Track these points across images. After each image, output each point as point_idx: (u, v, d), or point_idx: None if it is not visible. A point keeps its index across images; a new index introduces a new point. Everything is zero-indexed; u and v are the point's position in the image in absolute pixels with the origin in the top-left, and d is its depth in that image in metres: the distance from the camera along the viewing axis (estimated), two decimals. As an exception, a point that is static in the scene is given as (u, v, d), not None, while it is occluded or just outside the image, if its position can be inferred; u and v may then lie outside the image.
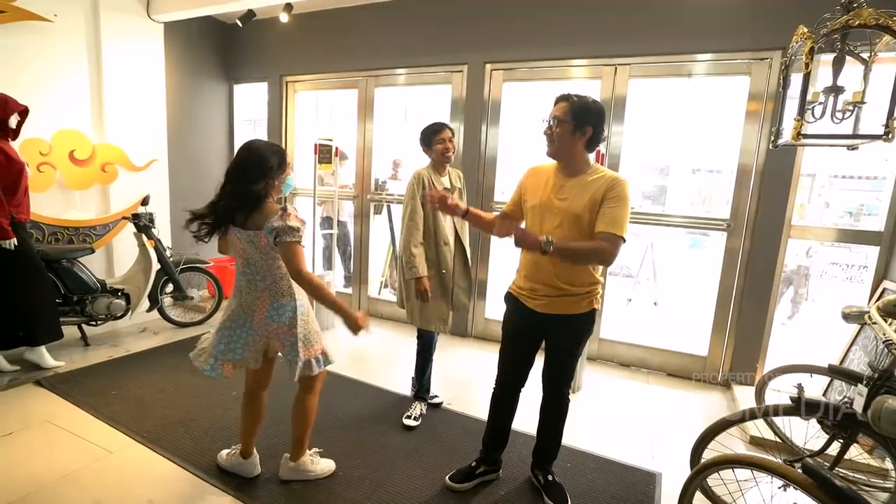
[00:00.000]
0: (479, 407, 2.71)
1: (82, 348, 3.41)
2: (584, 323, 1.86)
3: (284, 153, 1.83)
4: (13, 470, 2.07)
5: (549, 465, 2.06)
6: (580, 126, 1.72)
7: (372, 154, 4.43)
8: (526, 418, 2.23)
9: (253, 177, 1.71)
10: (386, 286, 5.20)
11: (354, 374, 3.13)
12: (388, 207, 4.82)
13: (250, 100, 5.16)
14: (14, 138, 2.82)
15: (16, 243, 2.71)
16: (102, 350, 3.41)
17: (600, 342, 3.66)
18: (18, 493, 1.93)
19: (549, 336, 1.91)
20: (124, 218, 3.70)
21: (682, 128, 6.69)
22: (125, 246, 3.83)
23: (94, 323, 3.41)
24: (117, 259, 3.90)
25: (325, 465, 2.12)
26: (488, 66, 3.74)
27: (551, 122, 1.76)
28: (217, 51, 4.80)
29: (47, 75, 3.39)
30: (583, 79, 3.56)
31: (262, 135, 5.39)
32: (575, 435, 2.54)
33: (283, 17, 3.99)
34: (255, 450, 2.10)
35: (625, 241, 1.69)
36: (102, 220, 3.75)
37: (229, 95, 5.01)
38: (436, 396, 2.77)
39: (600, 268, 1.85)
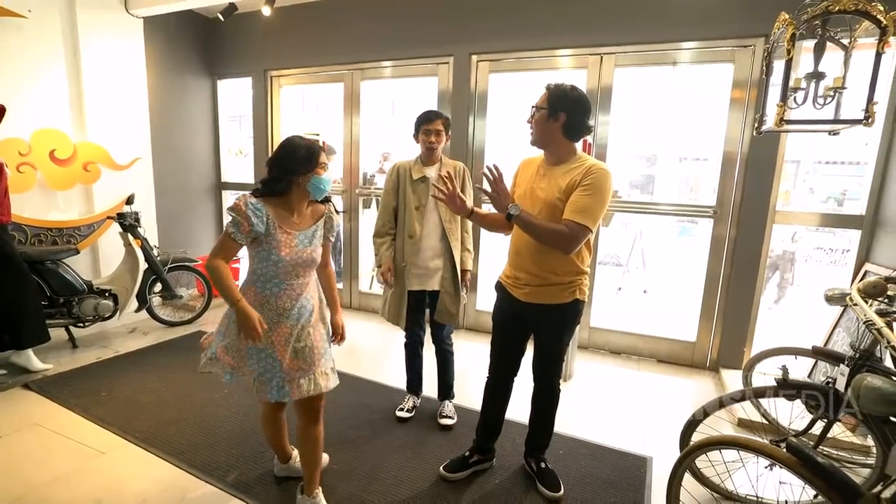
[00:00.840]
0: (471, 398, 2.73)
1: (70, 350, 3.37)
2: (567, 313, 1.84)
3: (313, 153, 1.65)
4: (4, 473, 2.05)
5: (541, 453, 2.09)
6: (553, 112, 1.72)
7: (360, 148, 4.40)
8: (519, 407, 2.25)
9: (276, 173, 1.63)
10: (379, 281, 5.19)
11: (347, 369, 3.13)
12: (378, 201, 4.80)
13: (235, 95, 5.09)
14: (-8, 138, 2.76)
15: (-3, 246, 2.67)
16: (91, 352, 3.37)
17: (591, 330, 3.70)
18: (11, 495, 1.91)
19: (535, 326, 1.92)
20: (109, 217, 3.65)
21: (668, 116, 6.74)
22: (111, 246, 3.78)
23: (81, 324, 3.37)
24: (104, 259, 3.84)
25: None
26: (474, 58, 3.72)
27: (533, 111, 1.78)
28: (199, 46, 4.71)
29: (24, 73, 3.31)
30: (569, 69, 3.56)
31: (247, 131, 5.32)
32: (567, 422, 2.57)
33: (266, 11, 3.92)
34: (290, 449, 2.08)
35: (591, 231, 1.66)
36: (87, 220, 3.68)
37: (213, 91, 4.93)
38: (449, 418, 2.53)
39: (587, 258, 1.84)
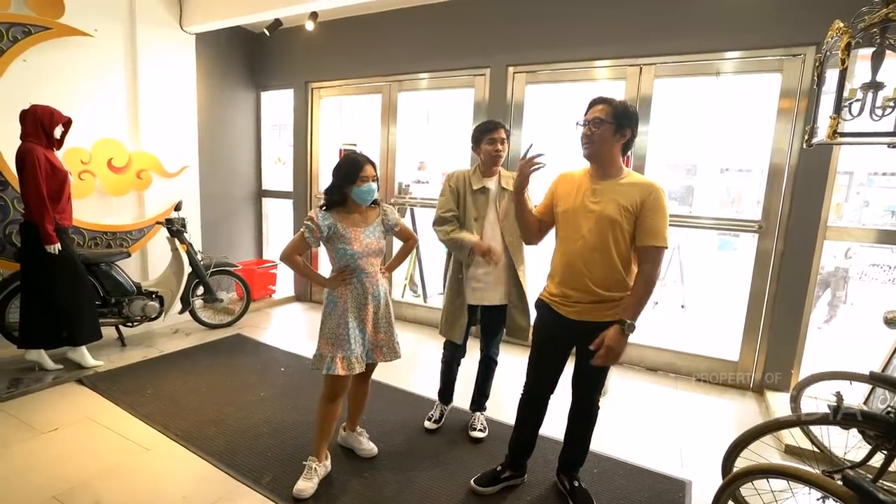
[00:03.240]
0: (502, 411, 2.70)
1: (119, 348, 3.55)
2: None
3: (353, 168, 1.96)
4: (59, 464, 2.17)
5: (575, 471, 2.05)
6: (621, 128, 1.73)
7: (396, 157, 4.47)
8: (553, 423, 2.20)
9: (331, 185, 2.01)
10: (412, 290, 5.24)
11: (379, 377, 3.15)
12: (412, 211, 4.86)
13: (276, 104, 5.29)
14: (59, 148, 2.97)
15: (60, 248, 2.85)
16: (138, 350, 3.54)
17: (627, 346, 3.59)
18: (64, 486, 2.03)
19: (581, 343, 1.88)
20: (158, 223, 3.85)
21: (709, 127, 6.53)
22: (159, 249, 3.97)
23: (130, 324, 3.55)
24: (151, 262, 4.04)
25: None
26: (511, 69, 3.73)
27: (593, 123, 1.74)
28: (245, 59, 4.93)
29: (87, 87, 3.55)
30: (607, 80, 3.52)
31: (286, 139, 5.51)
32: (602, 440, 2.50)
33: (309, 26, 4.07)
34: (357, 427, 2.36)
35: (667, 248, 1.73)
36: (138, 224, 3.90)
37: (257, 102, 5.14)
38: (480, 431, 2.51)
39: (634, 275, 1.80)
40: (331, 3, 3.46)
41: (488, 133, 2.28)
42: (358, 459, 2.28)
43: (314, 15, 3.97)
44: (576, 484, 2.00)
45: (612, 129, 1.72)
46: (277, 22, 4.14)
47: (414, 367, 3.45)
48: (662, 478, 2.21)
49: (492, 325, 2.42)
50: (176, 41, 4.03)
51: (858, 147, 3.75)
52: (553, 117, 4.34)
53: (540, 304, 1.97)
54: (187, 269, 3.73)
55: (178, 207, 3.82)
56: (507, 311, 2.36)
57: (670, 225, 3.75)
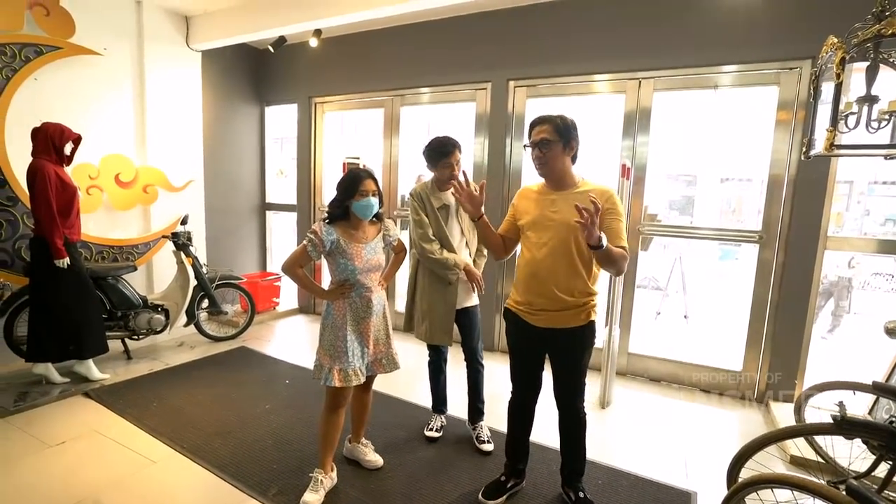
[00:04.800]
0: (502, 419, 2.70)
1: (125, 361, 3.57)
2: (583, 335, 1.88)
3: (352, 182, 1.99)
4: (66, 477, 2.19)
5: (578, 482, 2.05)
6: (567, 142, 1.83)
7: (398, 170, 4.53)
8: (555, 433, 2.21)
9: (334, 199, 2.04)
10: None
11: (384, 389, 3.17)
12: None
13: (279, 118, 5.36)
14: (68, 164, 3.02)
15: (69, 262, 2.89)
16: (143, 363, 3.56)
17: (629, 356, 3.61)
18: (72, 499, 2.04)
19: (552, 350, 1.94)
20: (164, 236, 3.89)
21: (708, 138, 6.58)
22: (164, 263, 4.01)
23: (136, 337, 3.57)
24: (157, 276, 4.08)
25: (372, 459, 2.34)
26: (511, 83, 3.80)
27: (541, 145, 1.82)
28: (250, 75, 5.02)
29: (96, 104, 3.63)
30: (606, 93, 3.58)
31: (289, 152, 5.58)
32: (606, 451, 2.51)
33: (313, 42, 4.16)
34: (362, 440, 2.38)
35: (626, 247, 1.81)
36: (144, 238, 3.94)
37: (261, 117, 5.22)
38: (488, 443, 2.51)
39: (597, 278, 1.89)
40: (334, 20, 3.53)
41: (445, 157, 2.29)
42: (364, 471, 2.28)
43: (318, 32, 4.05)
44: (581, 495, 2.00)
45: (560, 146, 1.81)
46: (282, 39, 4.22)
47: (417, 377, 3.45)
48: (667, 489, 2.21)
49: (469, 324, 2.52)
50: (182, 58, 4.11)
51: (857, 157, 3.79)
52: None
53: (507, 312, 2.00)
54: (192, 282, 3.77)
55: (184, 221, 3.87)
56: (477, 309, 2.52)
57: (671, 236, 3.79)
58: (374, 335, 2.11)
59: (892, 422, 1.47)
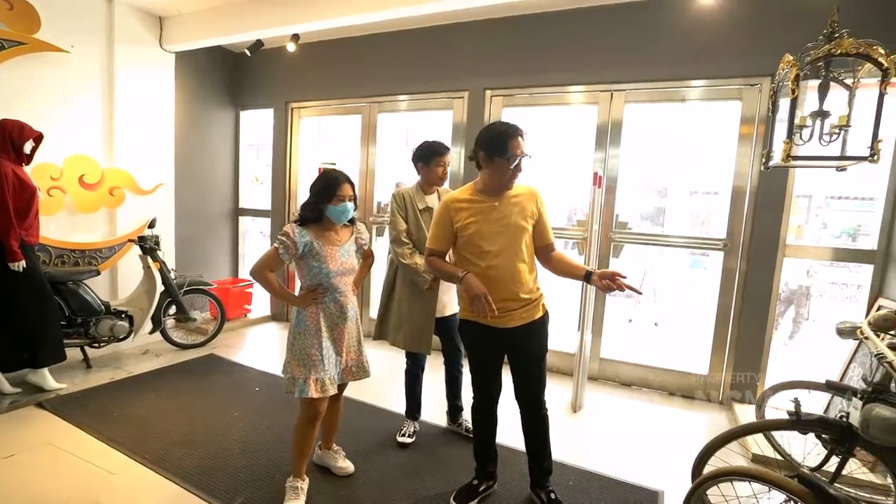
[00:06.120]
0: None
1: (84, 370, 3.41)
2: (543, 325, 1.97)
3: (329, 186, 1.93)
4: (15, 492, 2.07)
5: (546, 482, 2.06)
6: (486, 153, 1.88)
7: (375, 177, 4.52)
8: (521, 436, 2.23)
9: (308, 202, 1.97)
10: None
11: (355, 395, 3.12)
12: (390, 229, 4.88)
13: (254, 124, 5.29)
14: (28, 163, 2.91)
15: (24, 266, 2.76)
16: (104, 372, 3.41)
17: (601, 362, 3.67)
18: (20, 514, 1.93)
19: (515, 349, 1.96)
20: (130, 240, 3.77)
21: (678, 151, 6.82)
22: (130, 268, 3.88)
23: (96, 345, 3.43)
24: (121, 281, 3.94)
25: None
26: (488, 93, 3.86)
27: (520, 161, 1.86)
28: (225, 79, 4.95)
29: (61, 103, 3.51)
30: (580, 104, 3.68)
31: (264, 159, 5.51)
32: (577, 454, 2.53)
33: (291, 47, 4.14)
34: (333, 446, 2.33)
35: None
36: (108, 242, 3.81)
37: (236, 121, 5.15)
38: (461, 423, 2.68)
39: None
40: (312, 26, 3.54)
41: (440, 156, 2.38)
42: (334, 478, 2.24)
43: (296, 37, 4.04)
44: (552, 496, 2.01)
45: (483, 156, 1.87)
46: (259, 43, 4.19)
47: (390, 383, 3.43)
48: (636, 489, 2.24)
49: (450, 334, 2.52)
50: (155, 59, 4.03)
51: (815, 171, 3.99)
52: (530, 139, 4.47)
53: (467, 323, 1.98)
54: (159, 287, 3.65)
55: (151, 225, 3.76)
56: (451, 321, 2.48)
57: (642, 243, 3.91)
58: (347, 342, 2.06)
59: (842, 417, 1.54)
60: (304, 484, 2.05)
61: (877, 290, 2.89)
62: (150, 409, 2.87)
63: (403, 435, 2.58)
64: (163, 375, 3.42)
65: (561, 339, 3.50)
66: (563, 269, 1.96)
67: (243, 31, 3.74)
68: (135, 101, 3.91)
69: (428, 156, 2.41)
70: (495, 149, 1.84)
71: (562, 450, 2.43)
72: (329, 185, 1.94)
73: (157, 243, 3.68)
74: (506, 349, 1.99)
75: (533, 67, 3.65)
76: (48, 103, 3.42)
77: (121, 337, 3.50)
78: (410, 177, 5.76)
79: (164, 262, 3.68)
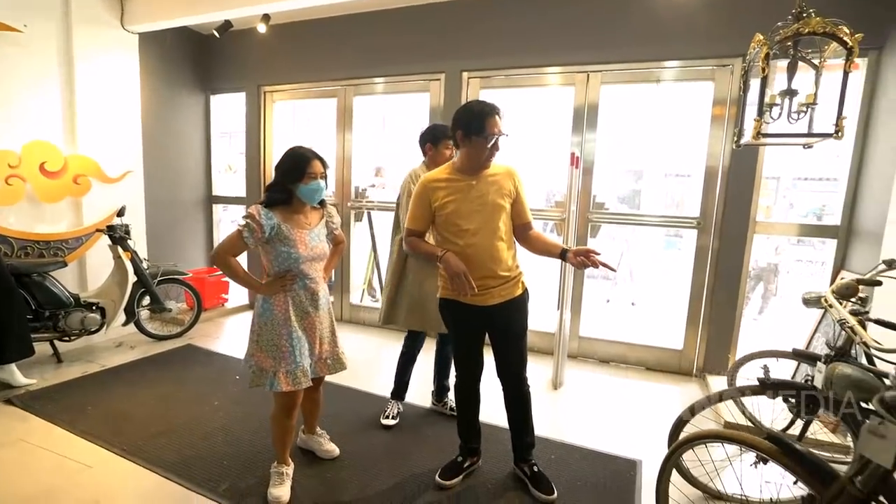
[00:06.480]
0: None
1: (55, 365, 3.31)
2: (523, 302, 2.00)
3: (298, 164, 1.82)
4: (-13, 488, 2.00)
5: (530, 456, 2.11)
6: (464, 132, 1.87)
7: (352, 162, 4.46)
8: (504, 413, 2.27)
9: (274, 181, 1.86)
10: (370, 294, 5.20)
11: (338, 380, 3.12)
12: (369, 215, 4.85)
13: (226, 111, 5.14)
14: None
15: (-15, 257, 2.64)
16: (76, 366, 3.31)
17: (581, 340, 3.75)
18: (-7, 510, 1.87)
19: (496, 326, 1.99)
20: (98, 230, 3.63)
21: (654, 133, 6.93)
22: (99, 259, 3.75)
23: (67, 338, 3.32)
24: (91, 272, 3.80)
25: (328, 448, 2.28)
26: (465, 75, 3.83)
27: (496, 140, 1.87)
28: (193, 61, 4.77)
29: (17, 86, 3.32)
30: (557, 85, 3.68)
31: (237, 147, 5.36)
32: (558, 428, 2.60)
33: (262, 28, 4.01)
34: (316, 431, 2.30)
35: None
36: (75, 232, 3.66)
37: (206, 105, 4.98)
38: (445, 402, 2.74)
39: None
40: (282, 5, 3.42)
41: (448, 138, 2.32)
42: (320, 461, 2.24)
43: (266, 17, 3.92)
44: (534, 469, 2.07)
45: (461, 136, 1.86)
46: (227, 23, 4.04)
47: (374, 368, 3.44)
48: (616, 459, 2.32)
49: None
50: (116, 40, 3.85)
51: (782, 152, 4.11)
52: (508, 120, 4.47)
53: (447, 301, 1.99)
54: (132, 278, 3.55)
55: (120, 213, 3.63)
56: None
57: (619, 223, 3.96)
58: (320, 333, 1.96)
59: (808, 380, 1.62)
60: (289, 469, 2.05)
61: (839, 264, 3.02)
62: (127, 402, 2.80)
63: (387, 417, 2.59)
64: (139, 367, 3.35)
65: (541, 318, 3.55)
66: (540, 247, 1.99)
67: (209, 11, 3.59)
68: (97, 85, 3.73)
69: (438, 136, 2.41)
70: (472, 128, 1.83)
71: (544, 425, 2.48)
72: (298, 162, 1.82)
73: (128, 232, 3.56)
74: (486, 327, 2.01)
75: (510, 49, 3.63)
76: (1, 87, 3.24)
77: (92, 329, 3.39)
78: (388, 162, 5.72)
79: (135, 252, 3.57)
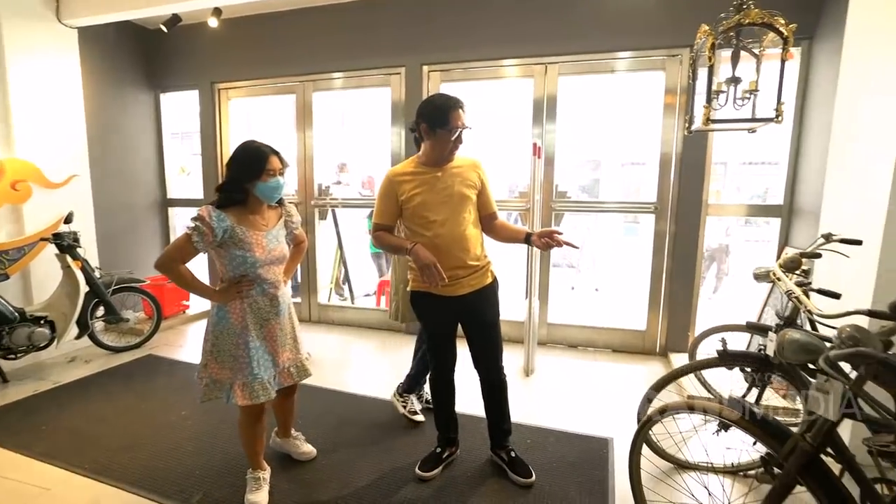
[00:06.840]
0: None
1: (0, 386, 3.10)
2: (493, 291, 2.04)
3: (255, 160, 1.72)
4: (-68, 520, 1.87)
5: (507, 442, 2.15)
6: (428, 125, 1.88)
7: (314, 159, 4.37)
8: (480, 402, 2.31)
9: (228, 180, 1.74)
10: (338, 293, 5.14)
11: (312, 381, 3.08)
12: (334, 212, 4.78)
13: (179, 110, 4.92)
14: None
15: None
16: (26, 385, 3.12)
17: (549, 327, 3.85)
18: (-58, 542, 1.74)
19: (468, 316, 2.02)
20: (43, 239, 3.41)
21: (611, 123, 7.15)
22: (45, 269, 3.52)
23: (13, 356, 3.11)
24: (37, 284, 3.56)
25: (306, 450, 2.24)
26: (426, 68, 3.82)
27: (460, 133, 1.88)
28: (140, 58, 4.54)
29: (-59, 86, 3.07)
30: (516, 77, 3.74)
31: (191, 148, 5.15)
32: (532, 414, 2.66)
33: (213, 22, 3.85)
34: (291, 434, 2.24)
35: None
36: (16, 242, 3.41)
37: (156, 104, 4.75)
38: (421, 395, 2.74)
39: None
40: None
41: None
42: (297, 464, 2.21)
43: (217, 11, 3.77)
44: (512, 455, 2.11)
45: (425, 129, 1.87)
46: (176, 17, 3.86)
47: (345, 367, 3.41)
48: (588, 438, 2.41)
49: None
50: (53, 36, 3.60)
51: (728, 137, 4.33)
52: (470, 114, 4.50)
53: (417, 294, 2.01)
54: (83, 288, 3.36)
55: (68, 220, 3.42)
56: None
57: (581, 211, 4.07)
58: (281, 340, 1.86)
59: (761, 350, 1.73)
60: (266, 474, 2.01)
61: (784, 241, 3.23)
62: (86, 418, 2.66)
63: (414, 413, 2.57)
64: (96, 382, 3.18)
65: (510, 308, 3.62)
66: (505, 235, 2.05)
67: (154, 5, 3.42)
68: (33, 83, 3.49)
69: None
70: (436, 121, 1.85)
71: (518, 412, 2.53)
72: (255, 159, 1.71)
73: (77, 240, 3.37)
74: (458, 317, 2.03)
75: (470, 42, 3.65)
76: (-76, 87, 2.98)
77: (41, 345, 3.19)
78: (352, 159, 5.63)
79: (86, 261, 3.38)
